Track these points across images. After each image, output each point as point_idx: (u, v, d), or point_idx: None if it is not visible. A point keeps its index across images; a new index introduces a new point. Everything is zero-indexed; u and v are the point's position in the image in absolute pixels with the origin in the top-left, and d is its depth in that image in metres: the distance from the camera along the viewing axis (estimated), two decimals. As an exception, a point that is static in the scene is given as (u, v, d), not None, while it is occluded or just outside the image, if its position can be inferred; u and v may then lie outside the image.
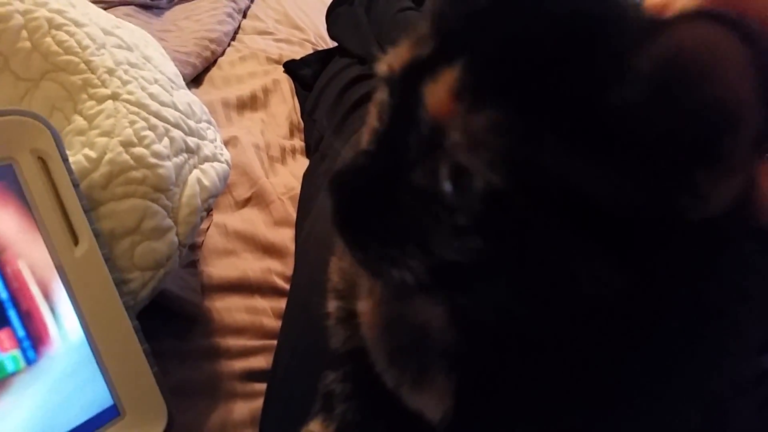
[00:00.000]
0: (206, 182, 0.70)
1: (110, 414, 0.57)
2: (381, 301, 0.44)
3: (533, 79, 0.31)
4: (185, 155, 0.69)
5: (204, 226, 0.90)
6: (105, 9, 1.34)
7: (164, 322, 0.74)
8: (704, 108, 0.29)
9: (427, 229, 0.33)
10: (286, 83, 1.37)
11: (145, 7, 1.52)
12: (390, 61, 0.37)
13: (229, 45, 1.48)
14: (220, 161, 0.74)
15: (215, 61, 1.39)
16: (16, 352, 0.53)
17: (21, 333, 0.54)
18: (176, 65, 1.19)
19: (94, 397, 0.57)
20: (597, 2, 0.34)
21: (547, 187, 0.30)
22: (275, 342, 0.76)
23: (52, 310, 0.56)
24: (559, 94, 0.30)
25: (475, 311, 0.36)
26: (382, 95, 0.38)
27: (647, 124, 0.30)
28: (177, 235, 0.65)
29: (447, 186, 0.32)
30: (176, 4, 1.62)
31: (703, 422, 0.40)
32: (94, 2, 1.31)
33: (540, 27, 0.32)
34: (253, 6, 1.70)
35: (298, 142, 1.23)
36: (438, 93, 0.32)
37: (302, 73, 1.38)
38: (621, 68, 0.29)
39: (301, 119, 1.29)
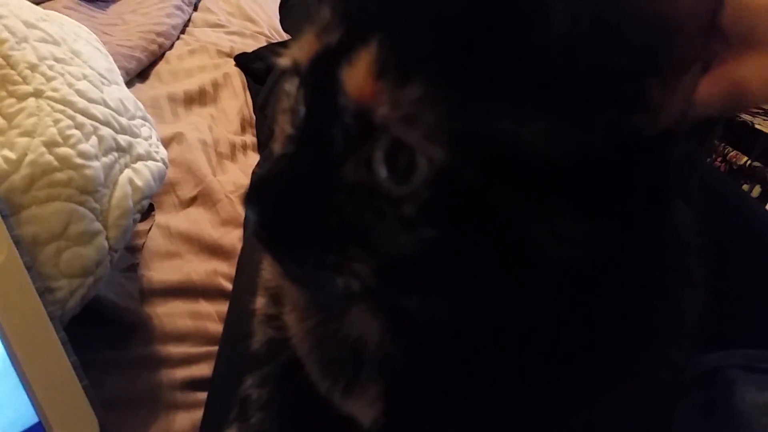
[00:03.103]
0: (139, 182, 0.66)
1: (36, 432, 0.54)
2: (310, 316, 0.42)
3: (455, 43, 0.29)
4: (115, 154, 0.65)
5: (145, 227, 0.86)
6: (42, 2, 1.30)
7: (100, 331, 0.71)
8: (647, 13, 0.28)
9: (369, 227, 0.30)
10: (237, 77, 1.33)
11: (90, 0, 1.46)
12: (295, 54, 0.34)
13: (178, 38, 1.44)
14: (155, 160, 0.70)
15: (163, 55, 1.35)
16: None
17: (-71, 350, 0.50)
18: (120, 60, 1.15)
19: (17, 415, 0.55)
20: None
21: (493, 154, 0.28)
22: (220, 348, 0.73)
23: (-34, 324, 0.52)
24: (486, 52, 0.28)
25: (422, 313, 0.34)
26: (290, 93, 0.35)
27: (584, 49, 0.28)
28: (107, 239, 0.62)
29: (383, 171, 0.30)
30: (123, -4, 1.57)
31: (649, 423, 0.39)
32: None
33: None
34: (204, -3, 1.66)
35: (250, 138, 1.20)
36: (358, 75, 0.29)
37: (255, 66, 1.34)
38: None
39: (253, 114, 1.25)
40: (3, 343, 0.54)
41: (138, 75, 1.25)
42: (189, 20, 1.53)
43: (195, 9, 1.60)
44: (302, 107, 0.33)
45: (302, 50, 0.33)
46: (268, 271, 0.50)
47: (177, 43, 1.42)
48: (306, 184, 0.32)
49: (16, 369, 0.54)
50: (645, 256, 0.33)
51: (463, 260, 0.30)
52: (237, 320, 0.65)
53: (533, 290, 0.31)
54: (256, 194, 0.33)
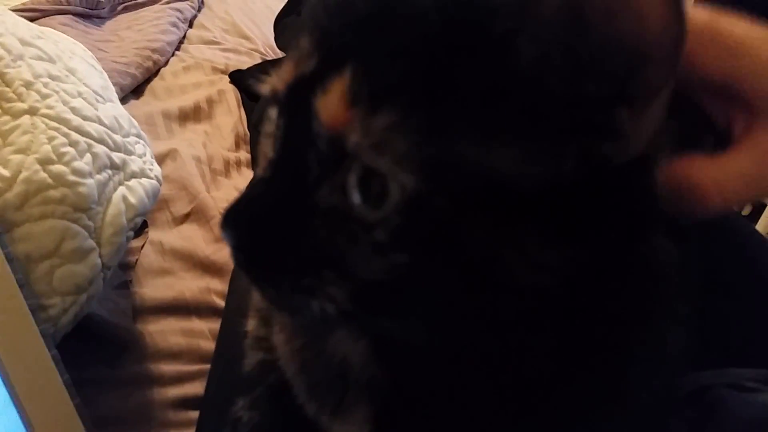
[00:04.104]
0: (133, 200, 0.66)
1: (26, 451, 0.54)
2: (297, 337, 0.42)
3: (426, 72, 0.29)
4: (109, 172, 0.65)
5: (138, 244, 0.86)
6: (38, 18, 1.30)
7: (93, 349, 0.71)
8: (616, 42, 0.28)
9: (343, 251, 0.31)
10: (232, 94, 1.34)
11: (85, 17, 1.46)
12: (273, 82, 0.34)
13: (173, 55, 1.44)
14: (149, 177, 0.71)
15: (158, 72, 1.35)
16: None
17: None
18: (115, 76, 1.16)
19: (7, 433, 0.54)
20: None
21: (464, 181, 0.28)
22: (213, 366, 0.72)
23: (-43, 342, 0.52)
24: (455, 81, 0.29)
25: (399, 336, 0.34)
26: (272, 118, 0.35)
27: (554, 78, 0.29)
28: (100, 256, 0.62)
29: (356, 197, 0.30)
30: (119, 13, 1.58)
31: None
32: (24, 10, 1.27)
33: (423, 18, 0.30)
34: (200, 15, 1.67)
35: (245, 155, 1.20)
36: (331, 103, 0.30)
37: (249, 83, 1.35)
38: (517, 26, 0.29)
39: (247, 131, 1.25)
40: (-6, 361, 0.54)
41: (133, 91, 1.26)
42: (184, 37, 1.54)
43: (190, 26, 1.61)
44: (281, 133, 0.34)
45: (280, 78, 0.33)
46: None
47: (172, 59, 1.42)
48: (281, 209, 0.32)
49: (7, 387, 0.54)
50: (619, 283, 0.33)
51: (435, 286, 0.30)
52: (228, 341, 0.65)
53: (505, 315, 0.31)
54: (231, 218, 0.33)
